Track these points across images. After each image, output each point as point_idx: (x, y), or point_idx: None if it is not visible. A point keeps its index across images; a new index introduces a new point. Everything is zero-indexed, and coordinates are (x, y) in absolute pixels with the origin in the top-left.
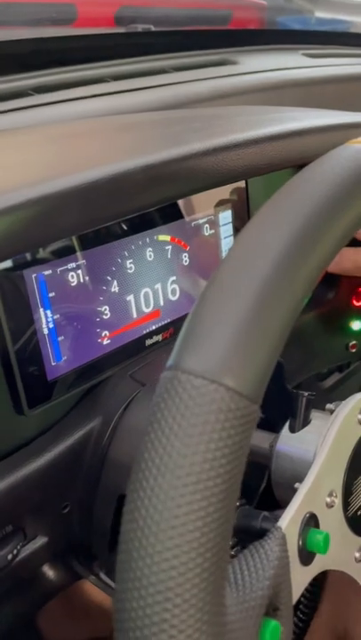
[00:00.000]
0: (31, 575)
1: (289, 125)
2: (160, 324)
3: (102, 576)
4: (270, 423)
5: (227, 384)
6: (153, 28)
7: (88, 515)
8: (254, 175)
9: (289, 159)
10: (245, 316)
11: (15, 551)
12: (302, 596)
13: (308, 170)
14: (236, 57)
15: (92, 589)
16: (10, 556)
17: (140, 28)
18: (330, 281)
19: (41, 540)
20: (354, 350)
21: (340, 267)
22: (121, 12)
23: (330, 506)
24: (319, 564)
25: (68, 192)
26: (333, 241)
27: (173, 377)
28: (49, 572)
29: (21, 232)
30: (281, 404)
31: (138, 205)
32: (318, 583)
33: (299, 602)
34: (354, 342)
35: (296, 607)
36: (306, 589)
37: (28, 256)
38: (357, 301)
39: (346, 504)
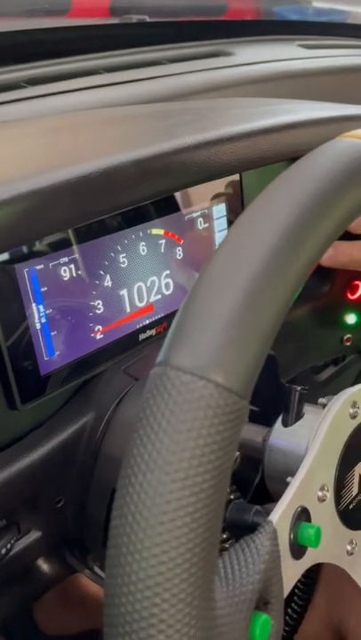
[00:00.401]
0: (26, 569)
1: (282, 118)
2: (154, 319)
3: (96, 569)
4: (264, 417)
5: (215, 380)
6: (148, 19)
7: (82, 509)
8: (247, 169)
9: (282, 153)
10: (235, 312)
11: (9, 545)
12: (297, 588)
13: (300, 164)
14: (232, 48)
15: (87, 581)
16: (4, 551)
17: (134, 18)
18: (324, 274)
19: (35, 535)
20: (349, 344)
21: (335, 261)
22: (115, 3)
23: (321, 500)
24: (311, 558)
25: (59, 186)
26: (325, 235)
27: (162, 373)
28: (43, 565)
29: (12, 226)
30: (274, 397)
31: (130, 199)
32: (313, 575)
33: (293, 594)
34: (349, 335)
35: (290, 599)
36: (300, 581)
37: (20, 250)
38: (352, 295)
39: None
